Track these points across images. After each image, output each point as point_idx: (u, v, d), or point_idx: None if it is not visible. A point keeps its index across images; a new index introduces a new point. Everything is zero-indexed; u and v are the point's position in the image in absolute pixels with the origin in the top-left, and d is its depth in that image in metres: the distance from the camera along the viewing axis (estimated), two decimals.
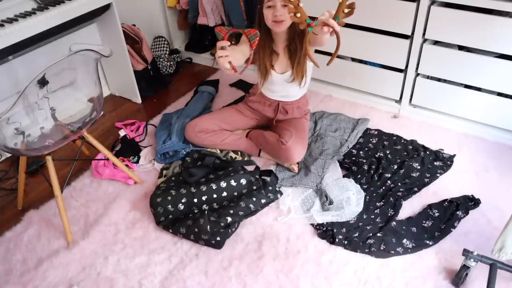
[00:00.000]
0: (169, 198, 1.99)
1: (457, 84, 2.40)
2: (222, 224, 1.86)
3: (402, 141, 2.41)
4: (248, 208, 1.95)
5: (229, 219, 1.89)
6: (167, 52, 3.32)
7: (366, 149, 2.37)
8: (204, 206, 1.98)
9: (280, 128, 2.23)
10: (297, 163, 2.24)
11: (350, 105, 2.75)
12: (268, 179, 2.11)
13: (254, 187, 2.04)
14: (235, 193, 2.02)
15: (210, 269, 1.81)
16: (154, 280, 1.78)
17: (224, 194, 2.02)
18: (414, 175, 2.17)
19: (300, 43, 1.98)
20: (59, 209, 1.91)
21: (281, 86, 2.17)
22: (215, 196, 2.01)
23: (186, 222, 1.90)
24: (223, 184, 2.01)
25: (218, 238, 1.85)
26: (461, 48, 2.34)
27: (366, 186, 2.12)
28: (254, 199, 1.98)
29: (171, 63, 3.27)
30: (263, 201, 1.99)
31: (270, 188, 2.06)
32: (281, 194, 2.07)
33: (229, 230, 1.88)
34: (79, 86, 1.86)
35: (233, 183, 2.03)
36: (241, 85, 2.98)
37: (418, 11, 2.26)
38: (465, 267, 1.62)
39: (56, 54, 2.56)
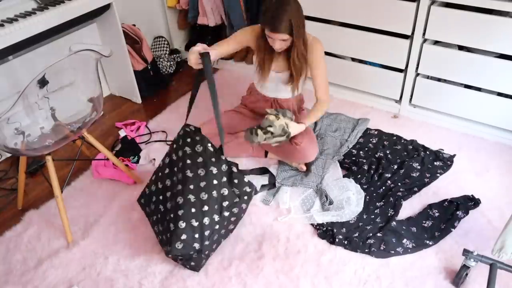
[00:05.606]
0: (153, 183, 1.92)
1: (457, 84, 2.40)
2: (191, 253, 1.70)
3: (402, 141, 2.41)
4: (213, 222, 1.69)
5: (197, 245, 1.68)
6: (167, 52, 3.32)
7: (366, 149, 2.37)
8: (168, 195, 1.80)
9: None
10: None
11: (350, 105, 2.75)
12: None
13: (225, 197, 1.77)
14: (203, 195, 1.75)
15: (210, 269, 1.81)
16: (154, 280, 1.78)
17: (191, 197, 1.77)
18: (414, 175, 2.17)
19: (300, 56, 2.01)
20: (59, 209, 1.91)
21: (274, 85, 2.18)
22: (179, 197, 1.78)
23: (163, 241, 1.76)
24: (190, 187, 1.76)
25: (193, 263, 1.76)
26: (461, 48, 2.34)
27: (366, 186, 2.12)
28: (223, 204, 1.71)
29: (171, 63, 3.26)
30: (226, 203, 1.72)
31: (238, 189, 1.77)
32: (255, 191, 1.79)
33: (202, 255, 1.74)
34: (79, 86, 1.86)
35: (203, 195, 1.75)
36: None
37: (418, 11, 2.26)
38: (465, 267, 1.62)
39: (56, 54, 2.56)
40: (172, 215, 1.73)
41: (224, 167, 1.76)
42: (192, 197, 1.72)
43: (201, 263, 1.78)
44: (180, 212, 1.70)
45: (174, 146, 1.88)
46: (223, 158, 1.77)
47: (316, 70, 2.06)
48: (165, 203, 1.82)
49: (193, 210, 1.70)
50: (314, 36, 2.05)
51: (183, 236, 1.67)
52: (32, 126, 1.80)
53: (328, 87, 2.12)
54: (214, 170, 1.75)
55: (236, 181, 1.77)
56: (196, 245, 1.69)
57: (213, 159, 1.76)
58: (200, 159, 1.76)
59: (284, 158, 2.28)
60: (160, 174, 1.89)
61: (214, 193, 1.73)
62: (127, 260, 1.87)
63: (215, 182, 1.73)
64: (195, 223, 1.69)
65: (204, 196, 1.72)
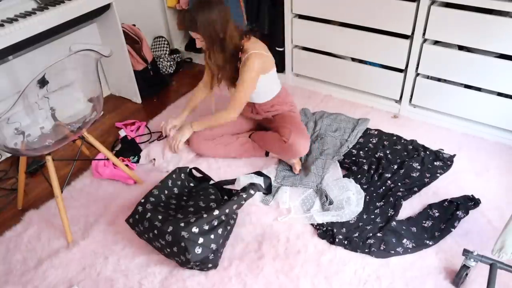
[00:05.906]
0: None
1: (457, 84, 2.40)
2: (209, 255, 1.72)
3: (402, 141, 2.41)
4: (222, 222, 1.77)
5: (214, 246, 1.72)
6: (167, 52, 3.32)
7: (366, 149, 2.37)
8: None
9: (278, 127, 2.23)
10: (301, 161, 2.26)
11: (350, 105, 2.75)
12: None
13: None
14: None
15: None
16: (154, 280, 1.78)
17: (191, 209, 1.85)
18: (414, 175, 2.17)
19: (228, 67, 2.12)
20: (59, 209, 1.91)
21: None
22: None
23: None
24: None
25: (210, 265, 1.78)
26: (461, 48, 2.34)
27: (366, 186, 2.12)
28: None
29: (171, 63, 3.27)
30: (226, 210, 1.78)
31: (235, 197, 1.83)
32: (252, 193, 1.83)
33: (218, 254, 1.78)
34: (79, 86, 1.86)
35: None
36: None
37: (418, 11, 2.26)
38: (465, 267, 1.62)
39: (56, 54, 2.56)
40: (182, 224, 1.71)
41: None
42: (201, 203, 1.85)
43: (217, 261, 1.80)
44: (193, 219, 1.72)
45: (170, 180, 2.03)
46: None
47: (238, 81, 2.10)
48: (165, 217, 1.79)
49: (205, 215, 1.74)
50: (256, 52, 2.02)
51: (200, 240, 1.69)
52: (32, 126, 1.79)
53: (239, 102, 2.13)
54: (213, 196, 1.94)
55: (235, 197, 1.82)
56: (213, 246, 1.72)
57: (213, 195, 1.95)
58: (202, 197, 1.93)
59: (281, 156, 2.28)
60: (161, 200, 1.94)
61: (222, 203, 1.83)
62: (127, 260, 1.87)
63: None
64: (206, 227, 1.72)
65: (213, 205, 1.85)
